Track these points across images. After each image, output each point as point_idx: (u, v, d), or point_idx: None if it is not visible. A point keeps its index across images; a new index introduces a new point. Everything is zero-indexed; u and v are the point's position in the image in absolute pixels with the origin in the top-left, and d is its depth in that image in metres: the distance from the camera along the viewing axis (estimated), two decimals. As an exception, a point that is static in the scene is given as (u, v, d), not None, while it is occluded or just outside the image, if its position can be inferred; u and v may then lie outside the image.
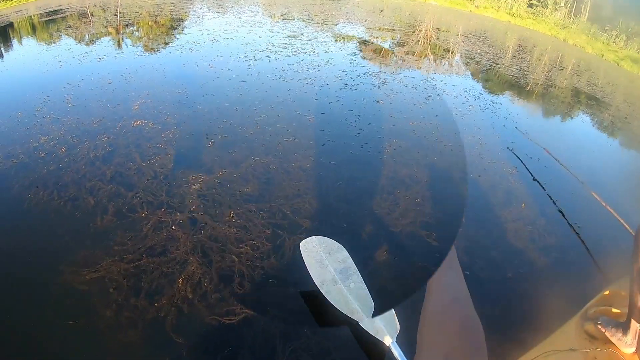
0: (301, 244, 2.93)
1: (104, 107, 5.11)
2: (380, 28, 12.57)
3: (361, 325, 2.48)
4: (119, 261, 2.88)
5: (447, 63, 9.82)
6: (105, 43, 8.06)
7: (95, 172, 3.81)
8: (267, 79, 6.60)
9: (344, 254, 2.89)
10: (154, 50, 7.81)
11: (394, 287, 2.97)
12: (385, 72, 7.77)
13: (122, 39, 8.58)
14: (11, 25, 9.25)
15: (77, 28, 9.12)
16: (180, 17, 11.05)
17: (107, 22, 9.87)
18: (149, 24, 10.01)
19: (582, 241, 3.79)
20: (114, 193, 3.55)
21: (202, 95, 5.77)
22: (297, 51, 8.36)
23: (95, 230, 3.15)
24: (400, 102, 6.37)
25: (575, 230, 3.92)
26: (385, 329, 2.44)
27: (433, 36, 12.50)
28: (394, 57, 9.25)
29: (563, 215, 4.12)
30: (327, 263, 2.81)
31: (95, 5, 12.25)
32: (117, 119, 4.81)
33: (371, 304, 2.57)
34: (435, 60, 9.77)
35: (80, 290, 2.63)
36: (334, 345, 2.50)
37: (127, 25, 9.81)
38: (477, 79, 8.81)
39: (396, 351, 2.33)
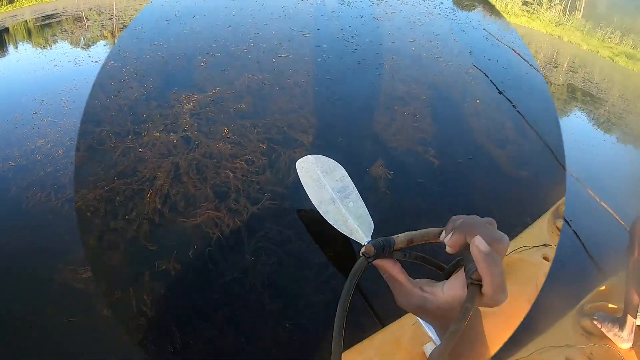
0: (297, 163, 2.86)
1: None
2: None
3: (335, 227, 2.47)
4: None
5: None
6: (101, 47, 7.88)
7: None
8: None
9: (341, 172, 2.82)
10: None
11: (387, 201, 3.02)
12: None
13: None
14: (6, 30, 8.88)
15: (72, 32, 8.87)
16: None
17: (102, 25, 9.62)
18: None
19: (578, 236, 3.69)
20: (84, 132, 3.62)
21: (192, 16, 5.79)
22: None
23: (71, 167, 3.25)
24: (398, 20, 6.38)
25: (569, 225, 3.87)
26: (359, 227, 2.43)
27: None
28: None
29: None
30: (324, 182, 2.71)
31: (90, 9, 11.87)
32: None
33: (370, 224, 2.47)
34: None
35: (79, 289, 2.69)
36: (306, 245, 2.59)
37: (122, 28, 9.59)
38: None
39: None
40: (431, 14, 6.86)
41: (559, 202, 2.84)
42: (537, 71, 4.66)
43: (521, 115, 4.25)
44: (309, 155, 2.90)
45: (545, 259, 2.26)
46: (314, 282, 2.48)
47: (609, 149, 6.36)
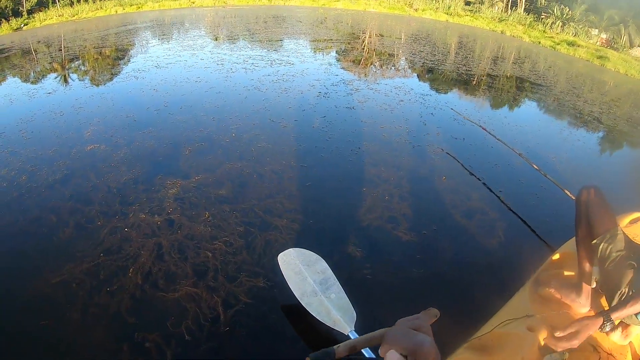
0: (279, 257, 2.96)
1: (57, 136, 5.45)
2: (325, 39, 13.20)
3: (317, 318, 2.52)
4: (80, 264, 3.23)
5: (392, 67, 10.47)
6: (52, 79, 8.37)
7: (55, 193, 4.13)
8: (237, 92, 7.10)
9: (322, 264, 2.89)
10: (101, 81, 8.16)
11: (360, 278, 3.20)
12: (330, 84, 8.33)
13: (69, 74, 8.87)
14: None
15: (22, 66, 9.35)
16: (125, 46, 11.36)
17: (52, 58, 10.12)
18: (94, 56, 10.28)
19: (519, 217, 4.14)
20: (73, 209, 3.89)
21: (180, 107, 6.45)
22: (246, 69, 8.99)
23: (59, 242, 3.49)
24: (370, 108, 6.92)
25: (501, 200, 4.37)
26: (342, 318, 2.49)
27: (376, 43, 13.13)
28: (339, 68, 9.85)
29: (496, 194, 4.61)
30: (306, 275, 2.80)
31: (38, 41, 12.45)
32: (71, 146, 5.14)
33: (353, 314, 2.53)
34: (380, 65, 10.39)
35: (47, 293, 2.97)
36: (290, 337, 2.68)
37: (72, 59, 10.09)
38: (423, 79, 9.52)
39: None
40: (402, 100, 7.47)
41: (538, 271, 2.86)
42: (505, 144, 5.03)
43: (487, 187, 4.62)
44: (291, 249, 3.01)
45: (530, 329, 2.20)
46: (289, 352, 2.63)
47: (554, 129, 7.13)
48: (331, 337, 2.55)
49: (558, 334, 1.93)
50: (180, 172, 4.52)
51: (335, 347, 0.78)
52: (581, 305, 2.34)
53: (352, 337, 2.31)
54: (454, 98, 8.19)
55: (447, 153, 5.36)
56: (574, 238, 2.50)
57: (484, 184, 4.66)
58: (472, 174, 4.85)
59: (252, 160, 4.84)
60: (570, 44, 15.96)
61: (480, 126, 5.75)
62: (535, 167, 4.60)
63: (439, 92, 8.46)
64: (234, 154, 4.98)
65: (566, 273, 2.70)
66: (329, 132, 5.78)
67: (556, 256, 2.92)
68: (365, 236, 3.69)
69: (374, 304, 2.93)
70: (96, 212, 3.83)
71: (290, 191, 4.26)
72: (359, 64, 10.33)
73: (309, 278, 2.78)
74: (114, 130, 5.60)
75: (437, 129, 6.24)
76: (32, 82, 8.21)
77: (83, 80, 8.41)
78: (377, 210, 4.06)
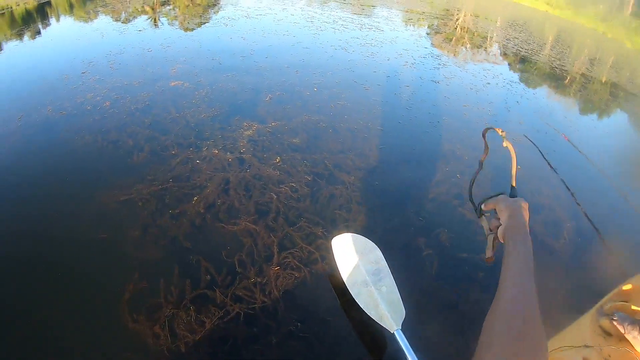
0: (333, 241, 2.83)
1: (143, 70, 5.63)
2: (418, 12, 12.88)
3: (364, 310, 2.42)
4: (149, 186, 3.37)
5: (484, 49, 10.10)
6: (143, 19, 8.62)
7: (135, 120, 4.30)
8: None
9: (377, 254, 2.76)
10: (190, 25, 8.37)
11: (415, 268, 3.05)
12: (418, 56, 8.13)
13: (159, 17, 9.13)
14: (49, 3, 9.82)
15: (114, 5, 9.71)
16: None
17: (143, 0, 10.42)
18: (185, 2, 10.52)
19: (598, 231, 3.84)
20: (150, 136, 4.03)
21: (265, 56, 6.51)
22: (335, 29, 8.94)
23: (132, 164, 3.64)
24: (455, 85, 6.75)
25: (589, 220, 4.00)
26: (389, 315, 2.37)
27: (470, 22, 12.71)
28: (429, 42, 9.62)
29: (579, 205, 4.23)
30: (359, 263, 2.67)
31: None
32: (156, 80, 5.32)
33: (402, 312, 2.39)
34: (471, 45, 10.06)
35: (113, 209, 3.12)
36: (333, 329, 2.52)
37: (164, 3, 10.36)
38: (513, 67, 9.05)
39: (400, 339, 2.24)
40: (488, 83, 7.19)
41: (605, 299, 2.66)
42: (584, 156, 4.73)
43: (566, 186, 4.36)
44: (346, 234, 2.88)
45: None
46: (329, 301, 2.65)
47: None
48: (374, 332, 2.48)
49: None
50: (258, 117, 4.58)
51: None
52: None
53: (398, 337, 2.26)
54: (542, 94, 7.77)
55: (529, 139, 5.14)
56: None
57: (568, 188, 4.36)
58: (552, 168, 4.61)
59: (330, 116, 4.82)
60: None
61: (562, 134, 5.49)
62: (616, 187, 4.33)
63: (528, 83, 8.03)
64: (313, 107, 4.98)
65: (633, 307, 2.49)
66: (410, 102, 5.66)
67: (626, 287, 2.71)
68: (426, 211, 3.61)
69: (426, 304, 2.79)
70: (171, 142, 3.96)
71: (362, 150, 4.22)
72: (450, 41, 10.04)
73: (361, 267, 2.65)
74: (199, 70, 5.73)
75: (521, 118, 5.99)
76: (123, 21, 8.50)
77: (172, 23, 8.64)
78: (445, 185, 3.96)
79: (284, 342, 2.35)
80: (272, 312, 2.50)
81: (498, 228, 1.04)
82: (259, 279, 2.65)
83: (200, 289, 2.57)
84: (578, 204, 4.11)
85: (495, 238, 1.07)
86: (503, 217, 1.03)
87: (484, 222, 1.15)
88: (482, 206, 1.14)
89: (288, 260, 2.82)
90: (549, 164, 4.66)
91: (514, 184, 1.17)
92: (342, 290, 2.61)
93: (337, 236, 2.85)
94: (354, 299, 2.48)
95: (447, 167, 4.24)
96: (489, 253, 1.12)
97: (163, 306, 2.45)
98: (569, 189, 4.29)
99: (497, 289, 0.93)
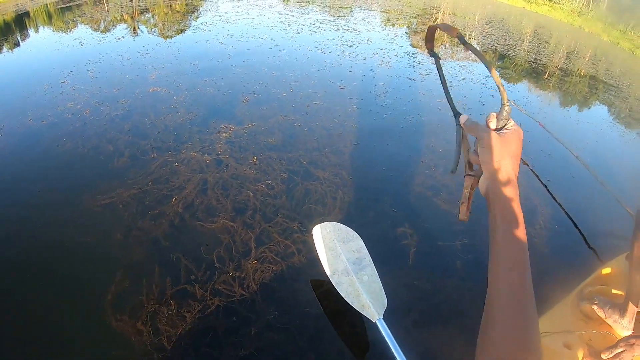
0: (314, 229, 2.84)
1: (123, 77, 5.72)
2: (395, 12, 13.04)
3: (346, 299, 2.44)
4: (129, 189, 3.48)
5: (460, 46, 10.19)
6: (122, 28, 8.70)
7: (115, 127, 4.40)
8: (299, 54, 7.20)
9: (359, 243, 2.77)
10: (169, 32, 8.46)
11: (394, 254, 3.17)
12: (394, 54, 8.28)
13: (138, 24, 9.19)
14: (27, 14, 9.86)
15: (93, 15, 9.76)
16: (194, 1, 11.64)
17: (122, 8, 10.47)
18: (164, 9, 10.58)
19: (570, 218, 3.92)
20: (130, 142, 4.13)
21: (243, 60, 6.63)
22: (312, 31, 9.07)
23: (113, 168, 3.74)
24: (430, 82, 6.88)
25: (562, 207, 4.08)
26: (371, 304, 2.39)
27: (448, 21, 12.88)
28: (405, 40, 9.80)
29: (553, 196, 4.32)
30: (340, 251, 2.68)
31: None
32: (135, 86, 5.42)
33: (384, 301, 2.42)
34: (447, 43, 10.20)
35: (96, 212, 3.23)
36: (314, 320, 2.58)
37: (142, 11, 10.42)
38: (497, 67, 9.17)
39: (382, 328, 2.27)
40: (463, 79, 7.30)
41: (583, 284, 2.70)
42: (563, 145, 4.82)
43: (539, 180, 4.45)
44: (327, 222, 2.89)
45: (567, 346, 2.11)
46: (309, 293, 2.74)
47: (619, 139, 6.51)
48: (356, 321, 2.54)
49: (605, 355, 1.91)
50: (235, 119, 4.69)
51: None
52: (623, 328, 2.24)
53: (379, 326, 2.28)
54: (518, 87, 7.93)
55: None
56: (625, 254, 2.41)
57: (541, 181, 4.45)
58: (527, 164, 4.68)
59: (305, 115, 4.94)
60: (651, 49, 14.98)
61: (537, 121, 5.50)
62: (593, 173, 4.37)
63: (504, 77, 8.19)
64: (289, 108, 5.10)
65: (613, 291, 2.57)
66: (385, 99, 5.78)
67: (605, 271, 2.80)
68: (401, 202, 3.72)
69: (408, 291, 2.85)
70: (151, 147, 4.06)
71: (337, 147, 4.34)
72: (425, 38, 10.17)
73: (342, 255, 2.66)
74: (177, 76, 5.83)
75: (495, 110, 6.06)
76: (102, 30, 8.57)
77: (152, 31, 8.71)
78: (419, 177, 4.09)
79: (263, 333, 2.44)
80: (250, 304, 2.59)
81: (477, 177, 0.86)
82: (237, 273, 2.76)
83: (181, 285, 2.67)
84: (549, 191, 4.24)
85: (472, 189, 0.88)
86: (486, 163, 0.81)
87: (464, 142, 0.92)
88: (462, 122, 0.91)
89: (265, 254, 2.92)
90: (522, 160, 4.76)
91: (505, 101, 0.88)
92: (322, 281, 2.70)
93: (317, 225, 2.86)
94: (335, 288, 2.50)
95: (421, 160, 4.37)
96: (463, 212, 0.89)
97: (145, 303, 2.54)
98: (539, 178, 4.42)
99: (488, 288, 0.78)
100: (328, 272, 2.59)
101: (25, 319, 2.44)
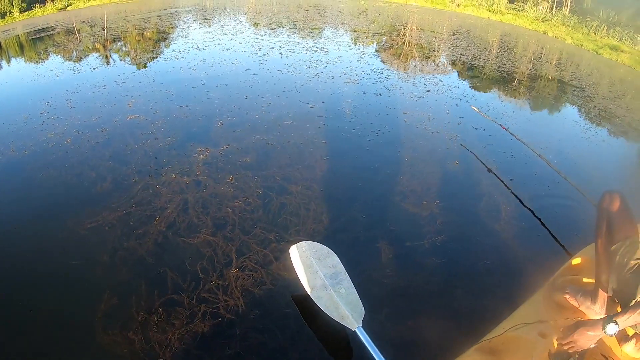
0: (291, 249, 2.99)
1: (100, 106, 5.97)
2: (363, 30, 13.46)
3: (326, 312, 2.57)
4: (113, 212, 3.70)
5: (427, 60, 10.66)
6: (96, 57, 8.94)
7: (96, 154, 4.62)
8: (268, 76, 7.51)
9: (334, 258, 2.92)
10: (142, 60, 8.71)
11: (367, 265, 3.31)
12: (361, 72, 8.62)
13: (111, 53, 9.43)
14: None
15: (66, 45, 9.96)
16: (166, 29, 11.94)
17: (95, 38, 10.68)
18: (136, 37, 10.82)
19: (535, 214, 4.12)
20: (111, 167, 4.36)
21: (216, 85, 6.94)
22: (282, 54, 9.38)
23: (96, 194, 3.96)
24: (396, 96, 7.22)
25: (526, 205, 4.29)
26: (350, 314, 2.53)
27: (415, 36, 13.30)
28: (372, 57, 10.11)
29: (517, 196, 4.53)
30: (317, 268, 2.83)
31: (82, 22, 13.11)
32: (113, 115, 5.67)
33: (361, 310, 2.56)
34: (414, 58, 10.62)
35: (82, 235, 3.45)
36: (295, 329, 2.74)
37: (115, 39, 10.66)
38: (453, 73, 9.58)
39: (362, 335, 2.40)
40: (428, 90, 7.62)
41: (554, 275, 2.75)
42: (525, 144, 4.97)
43: (504, 184, 4.64)
44: (303, 242, 3.04)
45: (541, 335, 2.15)
46: (288, 297, 2.96)
47: (589, 139, 6.61)
48: (338, 331, 2.66)
49: (561, 340, 2.00)
50: (211, 141, 4.94)
51: None
52: (596, 314, 2.29)
53: (359, 334, 2.42)
54: (485, 94, 8.23)
55: (460, 144, 5.51)
56: (593, 244, 2.39)
57: (503, 182, 4.68)
58: (490, 171, 4.90)
59: (277, 135, 5.21)
60: (614, 48, 15.56)
61: (499, 124, 5.64)
62: (555, 169, 4.51)
63: (468, 86, 8.52)
64: (261, 128, 5.37)
65: (584, 280, 2.63)
66: (352, 115, 6.08)
67: (574, 261, 2.86)
68: (371, 209, 3.97)
69: (384, 300, 2.98)
70: (132, 171, 4.30)
71: (308, 163, 4.61)
72: (393, 55, 10.51)
73: (319, 272, 2.81)
74: (154, 103, 6.09)
75: (459, 119, 6.38)
76: (76, 60, 8.78)
77: (125, 59, 8.95)
78: (387, 185, 4.36)
79: (248, 333, 2.65)
80: (234, 308, 2.81)
81: None
82: (220, 282, 2.98)
83: (168, 295, 2.88)
84: (509, 188, 4.51)
85: None
86: None
87: None
88: None
89: (246, 263, 3.15)
90: (486, 167, 5.00)
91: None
92: (302, 296, 2.84)
93: (294, 245, 3.01)
94: (315, 302, 2.65)
95: (388, 169, 4.64)
96: None
97: (134, 315, 2.74)
98: (511, 191, 4.55)
99: None
100: (308, 288, 2.74)
101: (16, 346, 2.58)
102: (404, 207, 4.02)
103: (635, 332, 2.08)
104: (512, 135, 5.26)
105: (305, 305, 2.80)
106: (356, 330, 2.45)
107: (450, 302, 2.99)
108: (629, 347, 2.12)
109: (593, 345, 1.98)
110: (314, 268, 2.84)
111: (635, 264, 2.08)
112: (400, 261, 3.37)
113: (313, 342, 2.67)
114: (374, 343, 2.36)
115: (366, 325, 2.48)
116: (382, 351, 2.31)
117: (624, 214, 2.20)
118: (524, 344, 2.17)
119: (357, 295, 2.65)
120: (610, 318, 1.89)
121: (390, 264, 3.32)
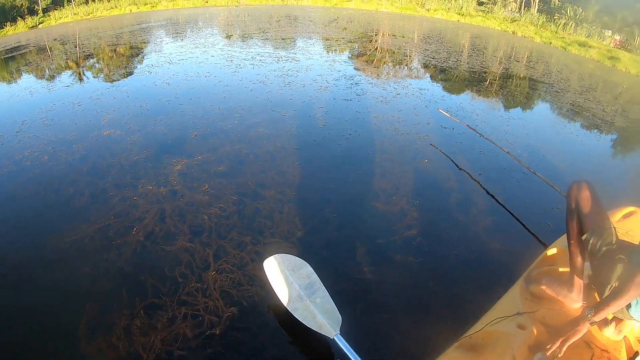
0: (264, 263, 3.02)
1: (76, 123, 6.09)
2: (334, 38, 13.76)
3: (303, 323, 2.60)
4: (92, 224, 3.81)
5: (396, 64, 10.96)
6: (69, 74, 9.02)
7: (74, 170, 4.73)
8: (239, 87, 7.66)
9: (307, 269, 2.95)
10: (116, 76, 8.83)
11: (339, 260, 3.47)
12: (332, 79, 8.87)
13: (84, 71, 9.52)
14: None
15: (38, 63, 10.00)
16: (139, 44, 12.04)
17: (67, 55, 10.74)
18: (109, 54, 10.90)
19: (504, 206, 4.31)
20: (89, 182, 4.47)
21: (190, 98, 7.10)
22: (254, 65, 9.62)
23: (75, 208, 4.07)
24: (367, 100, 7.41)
25: (496, 199, 4.50)
26: (327, 322, 2.55)
27: (386, 41, 13.54)
28: (342, 65, 10.34)
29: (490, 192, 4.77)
30: (291, 280, 2.85)
31: (54, 39, 13.14)
32: (89, 131, 5.79)
33: (338, 318, 2.59)
34: (383, 63, 10.88)
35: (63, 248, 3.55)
36: (274, 342, 2.76)
37: (87, 56, 10.73)
38: (423, 76, 9.88)
39: (340, 343, 2.44)
40: (398, 94, 7.87)
41: (530, 268, 2.79)
42: (493, 142, 5.14)
43: (475, 181, 4.83)
44: (276, 255, 3.06)
45: (520, 327, 2.18)
46: (262, 295, 3.08)
47: (557, 132, 6.94)
48: (316, 340, 2.69)
49: (549, 347, 2.03)
50: (186, 153, 5.08)
51: None
52: (573, 301, 2.35)
53: (338, 341, 2.45)
54: (455, 96, 8.50)
55: (430, 144, 5.72)
56: (566, 234, 2.42)
57: (474, 178, 4.87)
58: (460, 168, 5.10)
59: (250, 143, 5.37)
60: (582, 44, 16.07)
61: (466, 124, 5.88)
62: (523, 163, 4.70)
63: (438, 88, 8.80)
64: (235, 138, 5.53)
65: (560, 269, 2.65)
66: (324, 121, 6.28)
67: (549, 252, 2.89)
68: (342, 209, 4.15)
69: (360, 304, 3.04)
70: (109, 185, 4.41)
71: (281, 169, 4.78)
72: (364, 61, 10.77)
73: (294, 283, 2.83)
74: (128, 118, 6.22)
75: (429, 120, 6.62)
76: (49, 78, 8.87)
77: (98, 76, 9.07)
78: (358, 185, 4.55)
79: (228, 332, 2.78)
80: (214, 309, 2.93)
81: None
82: (199, 285, 3.11)
83: (149, 299, 3.00)
84: (478, 182, 4.72)
85: None
86: None
87: None
88: None
89: (223, 266, 3.29)
90: (456, 165, 5.21)
91: None
92: (278, 306, 2.85)
93: (267, 259, 3.04)
94: (292, 314, 2.67)
95: (359, 170, 4.82)
96: None
97: (117, 322, 2.84)
98: (484, 188, 4.72)
99: None
100: (284, 300, 2.76)
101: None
102: (374, 205, 4.19)
103: (615, 316, 2.12)
104: (479, 133, 5.49)
105: (283, 317, 2.82)
106: (334, 338, 2.48)
107: (427, 300, 3.11)
108: (609, 331, 2.17)
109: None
110: (289, 280, 2.87)
111: (607, 250, 2.12)
112: (371, 257, 3.52)
113: (291, 349, 2.74)
114: (353, 349, 2.40)
115: (344, 332, 2.52)
116: (363, 356, 2.37)
117: (592, 202, 2.22)
118: (504, 337, 2.18)
119: (333, 304, 2.68)
120: (590, 314, 1.95)
121: (362, 260, 3.47)
